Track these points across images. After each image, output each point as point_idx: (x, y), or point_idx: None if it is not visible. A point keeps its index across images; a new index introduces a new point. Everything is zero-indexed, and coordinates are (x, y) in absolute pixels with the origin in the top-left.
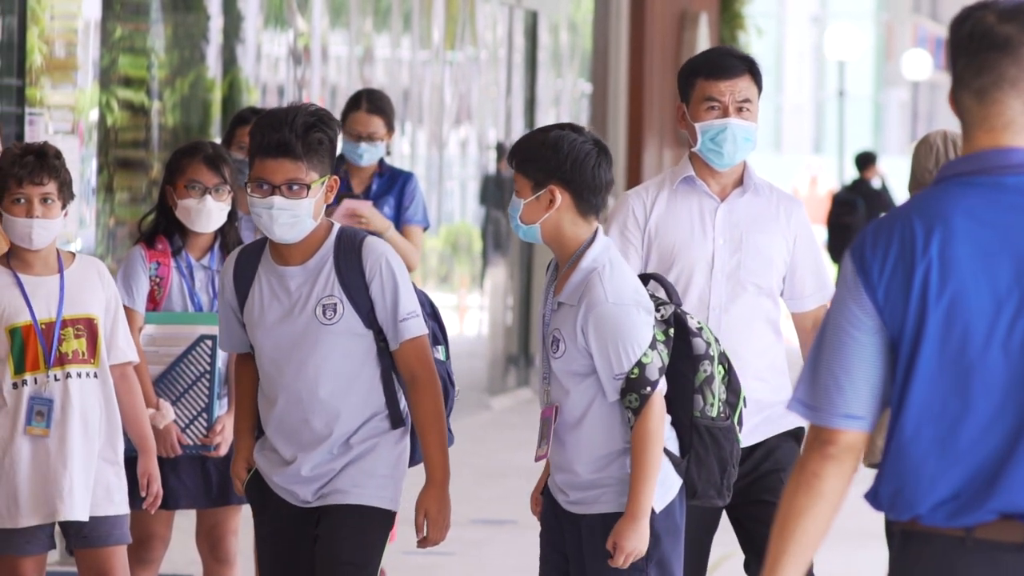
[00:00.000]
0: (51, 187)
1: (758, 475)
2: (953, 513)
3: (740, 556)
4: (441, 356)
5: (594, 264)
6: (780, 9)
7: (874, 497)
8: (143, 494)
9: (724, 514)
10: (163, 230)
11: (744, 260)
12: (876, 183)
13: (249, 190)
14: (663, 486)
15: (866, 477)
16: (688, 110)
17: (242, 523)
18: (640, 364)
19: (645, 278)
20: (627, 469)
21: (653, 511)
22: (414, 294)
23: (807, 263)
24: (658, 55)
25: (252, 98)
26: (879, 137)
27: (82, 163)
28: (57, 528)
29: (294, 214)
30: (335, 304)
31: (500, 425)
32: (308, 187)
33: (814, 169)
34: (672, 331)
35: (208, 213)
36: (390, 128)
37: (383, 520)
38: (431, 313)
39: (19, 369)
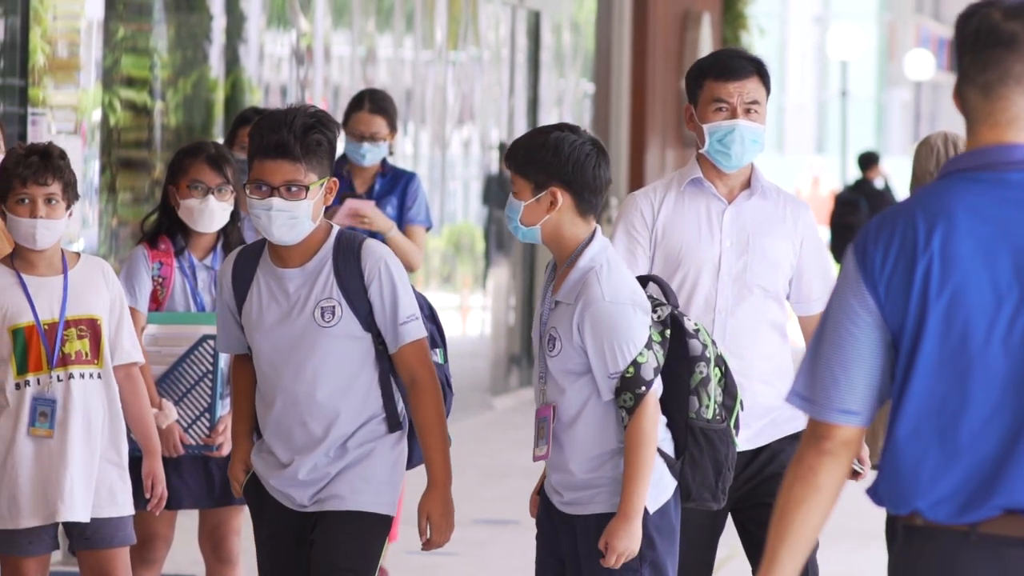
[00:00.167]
0: (55, 187)
1: (762, 478)
2: (956, 509)
3: (743, 557)
4: (439, 359)
5: (592, 263)
6: (783, 9)
7: (875, 492)
8: (147, 495)
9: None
10: (166, 230)
11: (751, 263)
12: (879, 183)
13: (248, 191)
14: (658, 487)
15: (868, 478)
16: (696, 111)
17: (245, 523)
18: (635, 364)
19: (644, 280)
20: (621, 469)
21: (647, 512)
22: (413, 297)
23: (814, 267)
24: (661, 55)
25: (255, 98)
26: (882, 137)
27: (85, 163)
28: (61, 528)
29: (292, 215)
30: (333, 307)
31: (503, 425)
32: (307, 189)
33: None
34: (668, 332)
35: (211, 213)
36: (393, 128)
37: (381, 525)
38: (429, 316)
39: (22, 370)
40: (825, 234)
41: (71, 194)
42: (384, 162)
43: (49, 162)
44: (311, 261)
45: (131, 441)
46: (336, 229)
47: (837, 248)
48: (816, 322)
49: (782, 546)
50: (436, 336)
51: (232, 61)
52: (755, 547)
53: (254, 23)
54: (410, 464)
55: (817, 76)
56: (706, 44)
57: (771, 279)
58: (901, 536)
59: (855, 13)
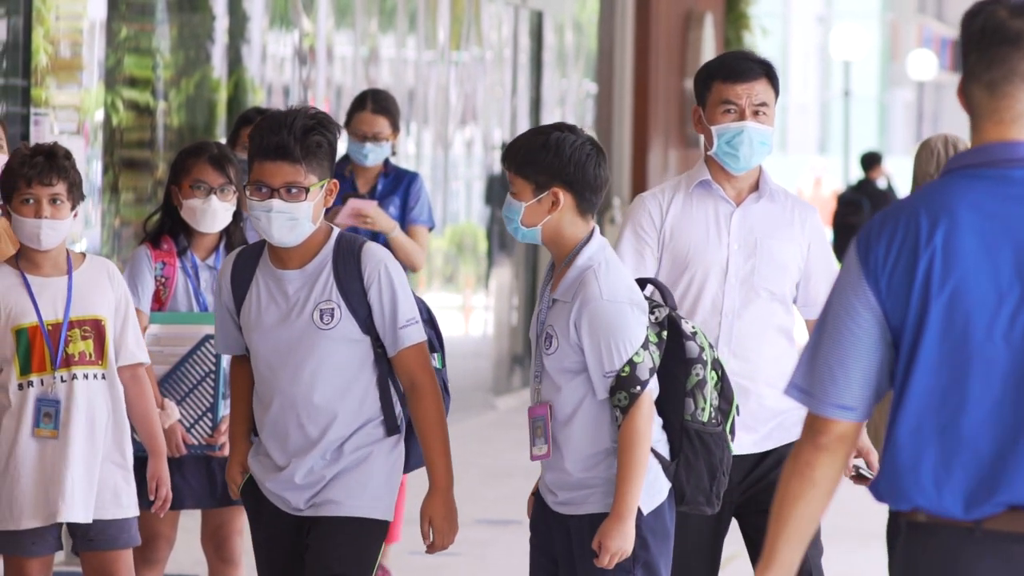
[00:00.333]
0: (60, 188)
1: (767, 483)
2: (959, 505)
3: (747, 558)
4: (437, 364)
5: (590, 262)
6: (785, 9)
7: (876, 489)
8: (151, 497)
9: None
10: (168, 230)
11: (758, 266)
12: (882, 183)
13: (248, 193)
14: (652, 488)
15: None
16: (704, 113)
17: (247, 523)
18: (631, 363)
19: (642, 283)
20: (615, 470)
21: (641, 513)
22: (413, 301)
23: (821, 270)
24: (663, 55)
25: (257, 98)
26: (884, 137)
27: (87, 163)
28: (65, 528)
29: (292, 217)
30: (332, 309)
31: (505, 425)
32: (307, 190)
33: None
34: (665, 334)
35: (213, 213)
36: (395, 128)
37: (377, 531)
38: (428, 320)
39: (25, 370)
40: (828, 234)
41: (76, 195)
42: (387, 162)
43: (54, 162)
44: (311, 263)
45: (135, 442)
46: (336, 232)
47: (840, 248)
48: None
49: (781, 538)
50: (434, 341)
51: (235, 61)
52: (758, 552)
53: (257, 23)
54: (411, 467)
55: (820, 76)
56: (708, 44)
57: (778, 282)
58: (904, 533)
59: (858, 13)
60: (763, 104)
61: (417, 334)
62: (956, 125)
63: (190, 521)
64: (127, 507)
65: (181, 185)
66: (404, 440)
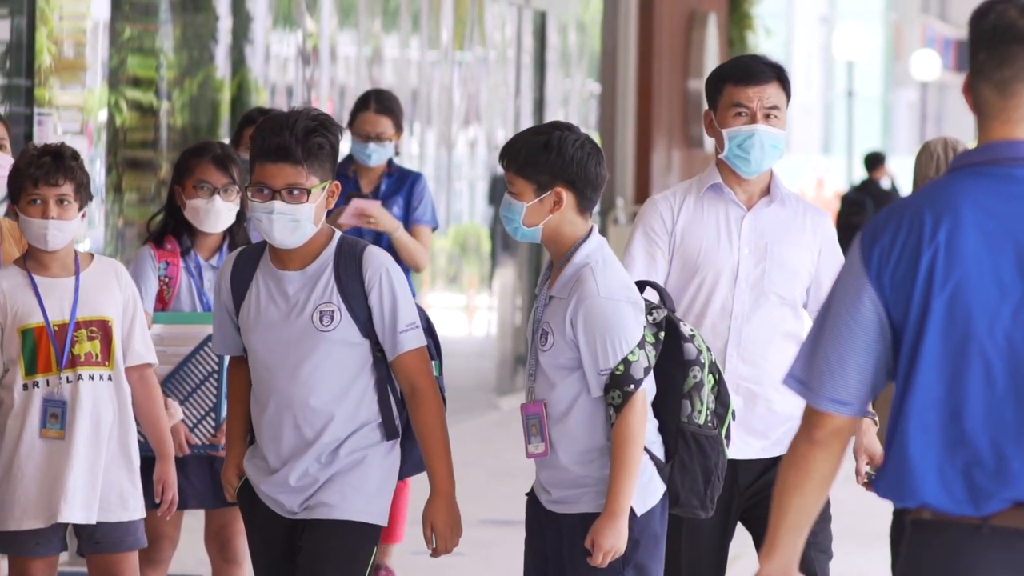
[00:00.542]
0: (67, 188)
1: None
2: (965, 502)
3: (751, 556)
4: (435, 371)
5: (587, 259)
6: (789, 9)
7: (880, 486)
8: (158, 500)
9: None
10: (172, 230)
11: (769, 270)
12: (885, 183)
13: (250, 194)
14: (646, 490)
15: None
16: (716, 116)
17: None
18: (626, 361)
19: (641, 286)
20: (608, 470)
21: (634, 514)
22: (414, 305)
23: (831, 275)
24: (667, 56)
25: (261, 99)
26: (888, 137)
27: (90, 163)
28: (71, 529)
29: (294, 219)
30: (332, 311)
31: (509, 425)
32: (308, 192)
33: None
34: (663, 334)
35: (216, 213)
36: (399, 128)
37: (370, 535)
38: (427, 329)
39: (30, 370)
40: None
41: (84, 195)
42: (390, 162)
43: (61, 163)
44: (312, 264)
45: (141, 442)
46: (338, 234)
47: (843, 249)
48: None
49: (782, 527)
50: (432, 349)
51: (238, 61)
52: None
53: (260, 23)
54: (411, 472)
55: (823, 76)
56: (712, 44)
57: (788, 287)
58: (909, 531)
59: (861, 13)
60: (774, 107)
61: (417, 339)
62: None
63: (194, 521)
64: (133, 510)
65: (184, 185)
66: (403, 444)
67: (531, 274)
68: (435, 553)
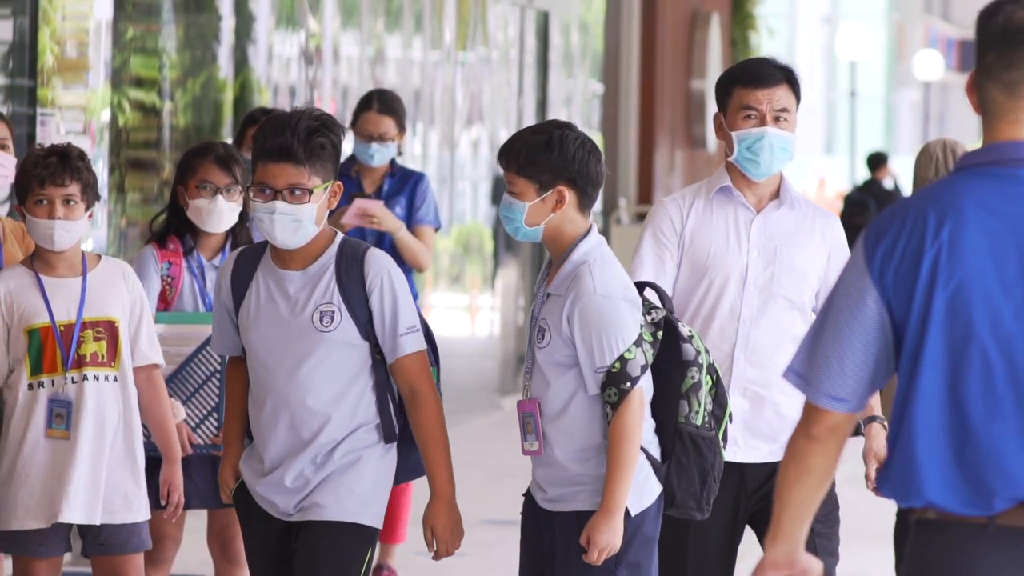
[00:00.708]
0: (73, 188)
1: None
2: (970, 501)
3: (755, 556)
4: (433, 378)
5: (585, 257)
6: (791, 9)
7: (884, 486)
8: (163, 502)
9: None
10: (174, 230)
11: (777, 273)
12: (888, 184)
13: (252, 194)
14: (642, 489)
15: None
16: (725, 119)
17: None
18: (622, 359)
19: (640, 287)
20: (604, 468)
21: (628, 514)
22: (415, 309)
23: None
24: (669, 55)
25: (263, 99)
26: (890, 138)
27: (93, 164)
28: (75, 530)
29: (296, 219)
30: (333, 312)
31: (511, 425)
32: (310, 192)
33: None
34: (660, 334)
35: (219, 213)
36: (401, 128)
37: (364, 536)
38: (425, 335)
39: (36, 370)
40: None
41: (90, 195)
42: (393, 162)
43: (67, 163)
44: (314, 265)
45: (146, 442)
46: (340, 236)
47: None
48: None
49: (785, 517)
50: (431, 356)
51: (241, 62)
52: None
53: (263, 24)
54: (411, 476)
55: (826, 76)
56: (715, 45)
57: (797, 290)
58: (914, 531)
59: (864, 13)
60: (784, 110)
61: (417, 342)
62: (962, 125)
63: (196, 521)
64: (137, 511)
65: (187, 185)
66: (401, 449)
67: (533, 274)
68: (436, 556)
